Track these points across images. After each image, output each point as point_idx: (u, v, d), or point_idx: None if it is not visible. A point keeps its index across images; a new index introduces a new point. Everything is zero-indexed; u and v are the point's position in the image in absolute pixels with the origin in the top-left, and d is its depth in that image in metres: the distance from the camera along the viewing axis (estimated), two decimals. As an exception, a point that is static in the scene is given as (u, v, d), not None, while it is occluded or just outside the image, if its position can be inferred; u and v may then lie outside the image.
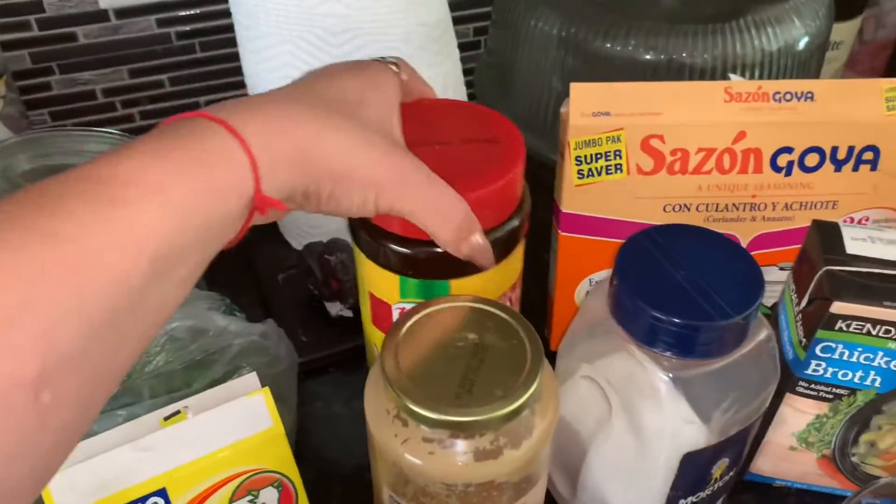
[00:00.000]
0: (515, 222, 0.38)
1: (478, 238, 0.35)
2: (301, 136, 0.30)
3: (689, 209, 0.46)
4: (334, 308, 0.55)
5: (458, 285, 0.37)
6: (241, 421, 0.39)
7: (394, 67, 0.37)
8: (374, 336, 0.43)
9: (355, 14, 0.46)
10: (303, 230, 0.59)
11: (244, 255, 0.61)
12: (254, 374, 0.41)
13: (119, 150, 0.26)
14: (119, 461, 0.37)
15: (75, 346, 0.22)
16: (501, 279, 0.39)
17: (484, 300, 0.34)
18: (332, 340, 0.54)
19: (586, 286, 0.49)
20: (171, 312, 0.27)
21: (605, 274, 0.49)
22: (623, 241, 0.46)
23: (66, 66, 0.61)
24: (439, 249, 0.35)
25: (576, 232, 0.47)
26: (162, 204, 0.25)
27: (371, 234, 0.38)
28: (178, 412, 0.39)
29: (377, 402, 0.33)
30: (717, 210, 0.46)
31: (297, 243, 0.60)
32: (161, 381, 0.43)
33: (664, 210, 0.46)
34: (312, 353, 0.53)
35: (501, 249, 0.38)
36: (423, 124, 0.38)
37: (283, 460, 0.40)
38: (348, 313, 0.55)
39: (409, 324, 0.33)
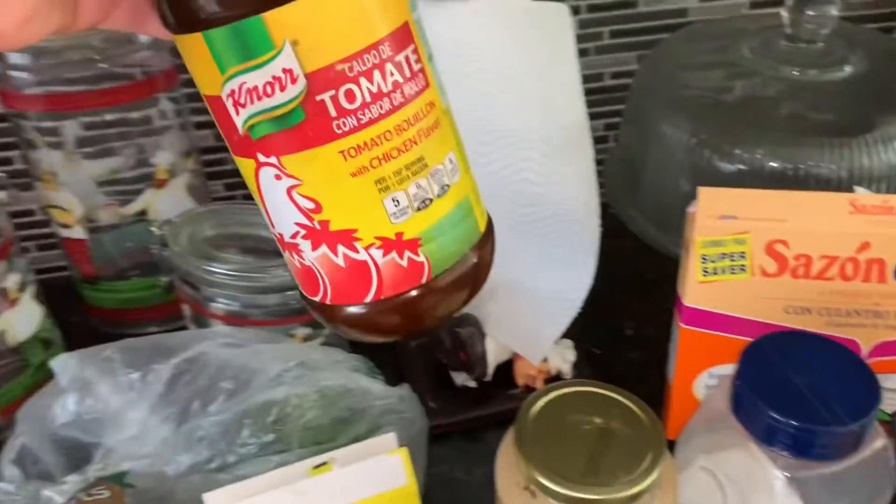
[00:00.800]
0: None
1: None
2: None
3: (810, 312, 0.47)
4: (460, 378, 0.59)
5: (277, 22, 0.26)
6: (380, 476, 0.44)
7: None
8: (243, 172, 0.30)
9: (500, 119, 0.51)
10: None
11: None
12: (392, 434, 0.46)
13: None
14: (278, 502, 0.42)
15: None
16: (352, 13, 0.26)
17: (611, 387, 0.38)
18: (457, 408, 0.58)
19: (705, 379, 0.51)
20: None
21: (723, 368, 0.51)
22: (745, 339, 0.48)
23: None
24: None
25: (697, 326, 0.49)
26: None
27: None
28: (324, 463, 0.44)
29: (508, 473, 0.37)
30: (838, 315, 0.47)
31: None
32: (311, 433, 0.48)
33: (786, 311, 0.48)
34: (439, 418, 0.57)
35: None
36: None
37: (414, 517, 0.44)
38: (472, 384, 0.59)
39: (541, 403, 0.37)
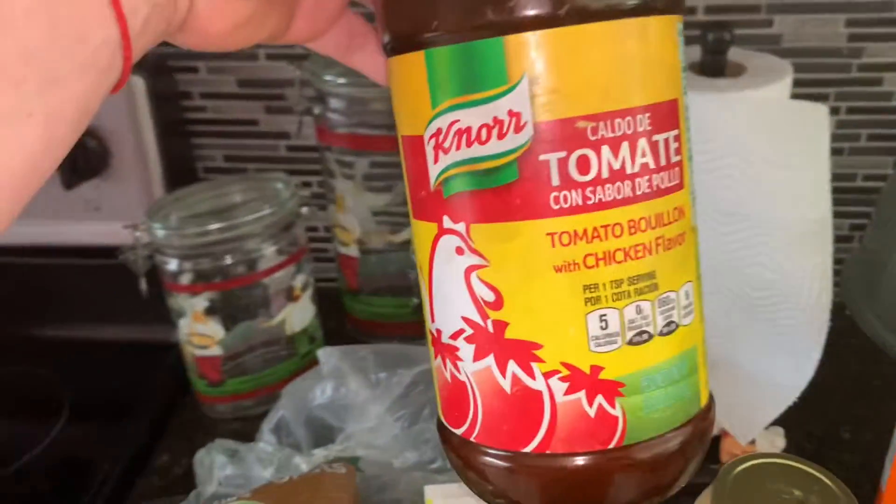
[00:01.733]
0: None
1: None
2: None
3: None
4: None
5: (520, 49, 0.20)
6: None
7: None
8: (417, 239, 0.25)
9: (743, 202, 0.55)
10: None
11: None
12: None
13: None
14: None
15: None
16: (619, 63, 0.21)
17: (811, 464, 0.39)
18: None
19: (921, 493, 0.50)
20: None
21: (944, 485, 0.49)
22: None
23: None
24: None
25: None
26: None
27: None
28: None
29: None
30: None
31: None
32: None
33: None
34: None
35: None
36: None
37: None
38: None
39: (740, 469, 0.39)
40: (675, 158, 0.22)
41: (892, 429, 0.51)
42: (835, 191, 0.56)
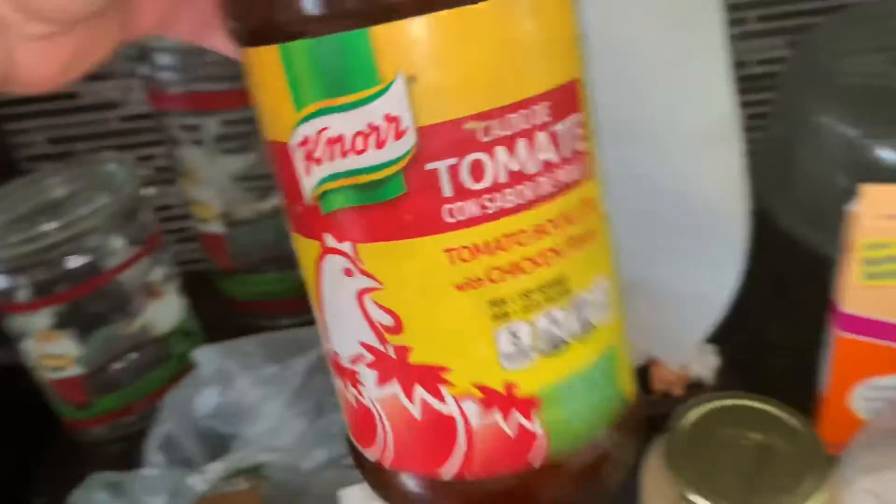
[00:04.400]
0: None
1: None
2: None
3: None
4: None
5: (390, 43, 0.17)
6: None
7: None
8: (301, 258, 0.22)
9: (644, 112, 0.49)
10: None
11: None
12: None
13: None
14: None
15: None
16: (504, 48, 0.17)
17: (768, 400, 0.35)
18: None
19: (863, 391, 0.48)
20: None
21: (884, 380, 0.47)
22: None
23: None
24: None
25: (856, 333, 0.46)
26: None
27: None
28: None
29: (657, 488, 0.35)
30: None
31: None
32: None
33: (959, 319, 0.43)
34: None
35: None
36: None
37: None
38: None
39: (693, 416, 0.35)
40: (579, 147, 0.19)
41: (820, 323, 0.48)
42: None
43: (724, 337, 0.56)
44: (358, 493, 0.42)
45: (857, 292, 0.44)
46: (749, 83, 0.69)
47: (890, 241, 0.43)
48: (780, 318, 0.60)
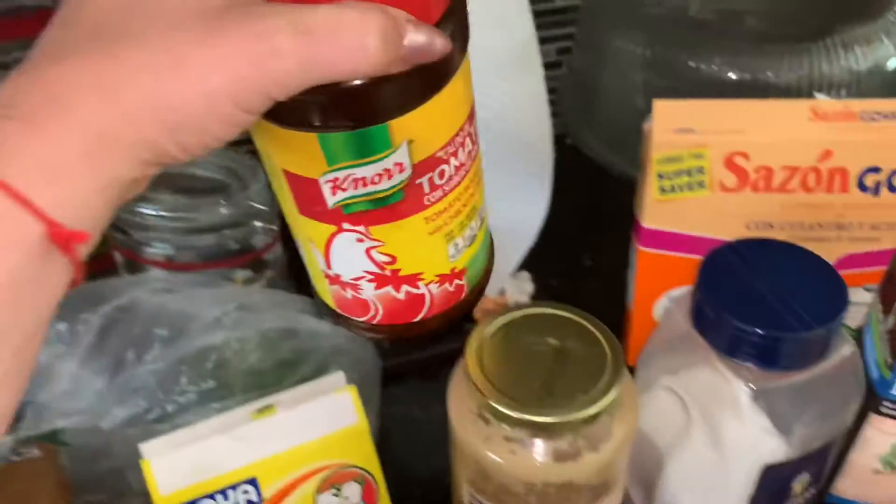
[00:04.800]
0: (449, 28, 0.26)
1: (415, 35, 0.24)
2: (86, 116, 0.20)
3: (772, 227, 0.46)
4: (415, 316, 0.57)
5: (401, 127, 0.26)
6: (327, 417, 0.41)
7: None
8: (306, 229, 0.31)
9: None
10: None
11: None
12: (341, 372, 0.43)
13: None
14: (215, 449, 0.39)
15: None
16: (452, 109, 0.28)
17: (566, 307, 0.36)
18: (411, 347, 0.56)
19: (664, 302, 0.50)
20: (23, 382, 0.22)
21: (684, 290, 0.49)
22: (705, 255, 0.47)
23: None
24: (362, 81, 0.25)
25: (656, 248, 0.47)
26: None
27: None
28: (269, 406, 0.41)
29: (461, 402, 0.34)
30: (801, 229, 0.46)
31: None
32: (254, 377, 0.45)
33: (747, 227, 0.46)
34: (393, 359, 0.54)
35: (430, 73, 0.26)
36: None
37: (366, 456, 0.42)
38: (428, 322, 0.56)
39: (492, 327, 0.35)
40: (475, 129, 0.30)
41: (628, 245, 0.50)
42: (534, 15, 0.52)
43: (538, 263, 0.57)
44: (159, 445, 0.40)
45: (654, 207, 0.46)
46: (554, 17, 0.70)
47: (681, 155, 0.44)
48: (591, 242, 0.62)
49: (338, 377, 0.43)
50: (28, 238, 0.20)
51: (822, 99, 0.49)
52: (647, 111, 0.47)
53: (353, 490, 0.42)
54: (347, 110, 0.26)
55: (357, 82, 0.25)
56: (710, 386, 0.35)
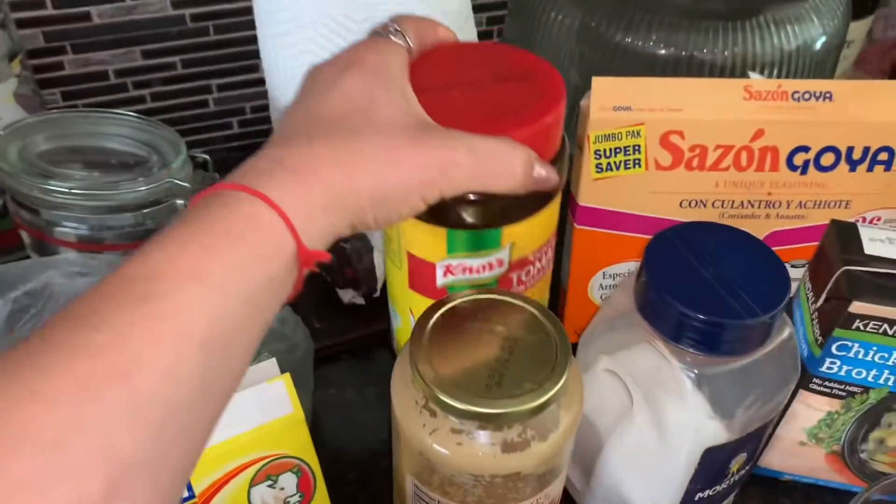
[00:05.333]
0: (558, 166, 0.36)
1: (540, 169, 0.33)
2: (330, 181, 0.29)
3: (705, 205, 0.46)
4: (347, 295, 0.55)
5: (509, 233, 0.36)
6: (261, 406, 0.39)
7: (396, 38, 0.35)
8: (410, 301, 0.40)
9: (379, 2, 0.46)
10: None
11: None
12: (273, 360, 0.41)
13: (150, 243, 0.25)
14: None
15: (141, 448, 0.22)
16: (547, 224, 0.38)
17: (511, 294, 0.35)
18: (345, 327, 0.54)
19: (600, 279, 0.50)
20: (238, 381, 0.27)
21: (618, 268, 0.49)
22: (639, 236, 0.47)
23: (80, 46, 0.60)
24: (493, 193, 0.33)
25: (591, 225, 0.47)
26: (199, 288, 0.24)
27: None
28: (198, 397, 0.39)
29: (405, 393, 0.33)
30: (732, 206, 0.46)
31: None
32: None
33: (680, 205, 0.46)
34: (326, 339, 0.53)
35: (545, 197, 0.36)
36: (450, 66, 0.36)
37: (302, 446, 0.40)
38: (360, 301, 0.55)
39: (436, 316, 0.34)
40: (553, 247, 0.41)
41: (564, 224, 0.49)
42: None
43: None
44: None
45: (589, 185, 0.45)
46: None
47: (618, 132, 0.44)
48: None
49: (270, 365, 0.41)
50: (287, 252, 0.27)
51: (756, 78, 0.50)
52: (581, 86, 0.46)
53: (289, 481, 0.40)
54: (478, 216, 0.35)
55: (486, 196, 0.33)
56: (653, 369, 0.35)
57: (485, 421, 0.31)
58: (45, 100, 0.61)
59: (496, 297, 0.35)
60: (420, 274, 0.38)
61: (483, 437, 0.31)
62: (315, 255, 0.28)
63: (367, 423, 0.50)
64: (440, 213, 0.34)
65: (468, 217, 0.35)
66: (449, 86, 0.35)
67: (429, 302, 0.36)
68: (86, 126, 0.49)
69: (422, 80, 0.34)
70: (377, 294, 0.54)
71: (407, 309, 0.41)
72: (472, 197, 0.34)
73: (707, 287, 0.33)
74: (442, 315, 0.34)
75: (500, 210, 0.35)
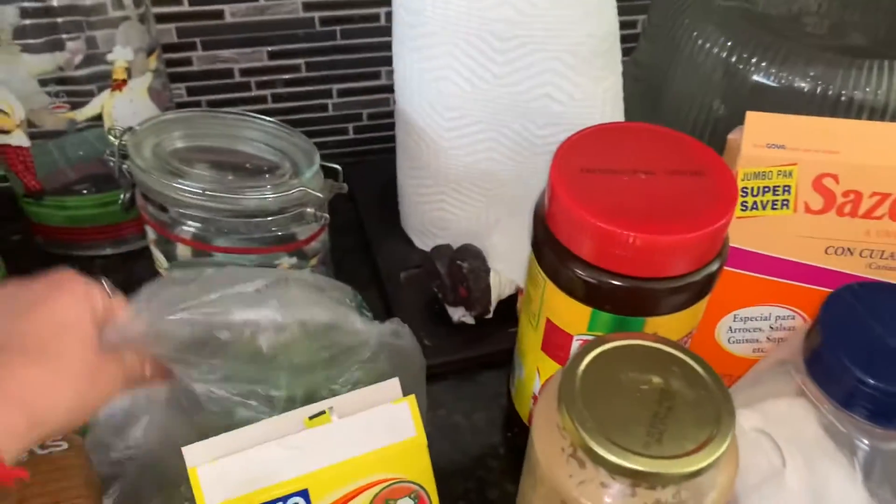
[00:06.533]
0: (716, 265, 0.37)
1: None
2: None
3: (851, 253, 0.43)
4: (457, 313, 0.54)
5: (653, 323, 0.36)
6: (384, 427, 0.39)
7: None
8: (540, 361, 0.41)
9: (527, 21, 0.45)
10: (428, 230, 0.58)
11: (366, 249, 0.60)
12: (396, 379, 0.40)
13: None
14: (266, 457, 0.37)
15: None
16: (691, 319, 0.38)
17: (667, 341, 0.33)
18: (455, 346, 0.53)
19: (730, 321, 0.47)
20: None
21: (752, 311, 0.47)
22: (778, 280, 0.44)
23: (210, 44, 0.61)
24: (640, 281, 0.34)
25: (729, 265, 0.45)
26: None
27: (561, 258, 0.36)
28: (322, 412, 0.39)
29: (549, 438, 0.32)
30: (882, 257, 0.43)
31: (421, 242, 0.59)
32: (298, 373, 0.42)
33: (826, 252, 0.43)
34: (434, 358, 0.52)
35: (695, 292, 0.36)
36: (620, 150, 0.36)
37: (422, 471, 0.39)
38: (470, 320, 0.54)
39: (588, 359, 0.32)
40: (691, 338, 0.41)
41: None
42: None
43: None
44: (200, 450, 0.37)
45: (733, 223, 0.43)
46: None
47: (769, 171, 0.42)
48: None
49: (393, 384, 0.40)
50: None
51: (919, 123, 0.47)
52: (724, 117, 0.44)
53: (406, 506, 0.40)
54: (619, 302, 0.35)
55: (635, 284, 0.34)
56: (815, 435, 0.33)
57: (640, 479, 0.29)
58: (173, 95, 0.61)
59: (650, 344, 0.33)
60: (555, 340, 0.39)
61: (635, 494, 0.30)
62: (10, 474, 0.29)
63: (474, 449, 0.49)
64: (583, 291, 0.36)
65: (611, 302, 0.35)
66: (620, 170, 0.35)
67: (558, 367, 0.37)
68: (221, 128, 0.49)
69: (588, 161, 0.35)
70: (490, 316, 0.53)
71: (534, 367, 0.41)
72: (619, 283, 0.35)
73: (887, 352, 0.31)
74: (594, 359, 0.32)
75: (644, 299, 0.35)
